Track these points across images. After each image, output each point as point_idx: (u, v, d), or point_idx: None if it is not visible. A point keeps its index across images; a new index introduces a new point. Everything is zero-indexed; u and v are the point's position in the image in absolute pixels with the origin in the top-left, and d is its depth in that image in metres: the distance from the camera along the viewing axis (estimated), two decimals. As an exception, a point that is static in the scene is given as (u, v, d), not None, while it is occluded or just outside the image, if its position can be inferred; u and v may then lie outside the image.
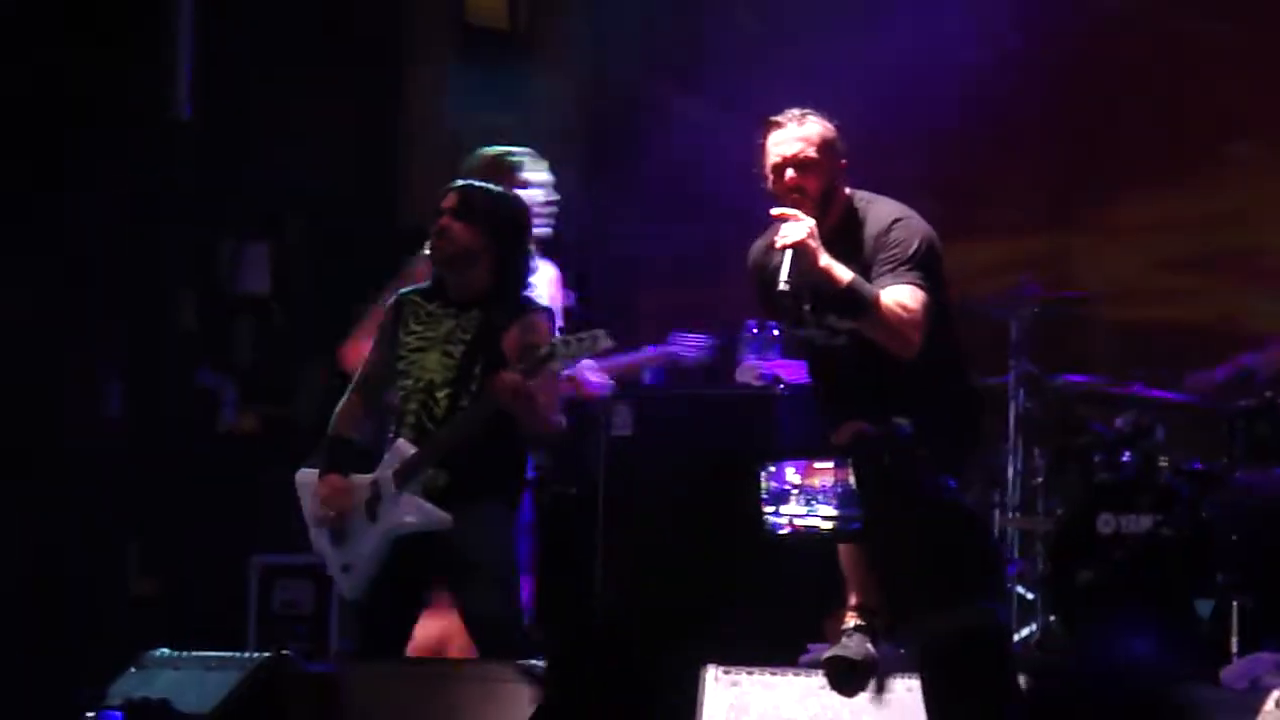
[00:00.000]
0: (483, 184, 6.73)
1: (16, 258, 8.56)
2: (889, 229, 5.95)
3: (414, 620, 6.50)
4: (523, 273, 6.66)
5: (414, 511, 6.37)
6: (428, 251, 6.65)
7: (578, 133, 10.61)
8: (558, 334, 6.55)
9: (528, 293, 6.70)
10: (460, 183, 6.72)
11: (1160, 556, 7.44)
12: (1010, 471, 8.37)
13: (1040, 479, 8.42)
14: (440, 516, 6.33)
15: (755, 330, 8.61)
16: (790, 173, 5.93)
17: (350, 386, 6.75)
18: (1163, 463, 7.87)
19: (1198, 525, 7.43)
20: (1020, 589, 8.18)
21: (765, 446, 7.11)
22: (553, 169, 7.35)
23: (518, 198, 6.87)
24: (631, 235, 10.16)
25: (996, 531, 8.43)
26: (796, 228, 5.79)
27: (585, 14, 10.74)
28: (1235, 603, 7.20)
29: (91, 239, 8.90)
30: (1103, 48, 9.64)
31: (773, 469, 1.95)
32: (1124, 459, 7.97)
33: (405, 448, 6.43)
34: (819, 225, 5.85)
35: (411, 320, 6.62)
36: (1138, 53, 9.62)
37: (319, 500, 6.55)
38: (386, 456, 6.48)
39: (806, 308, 6.03)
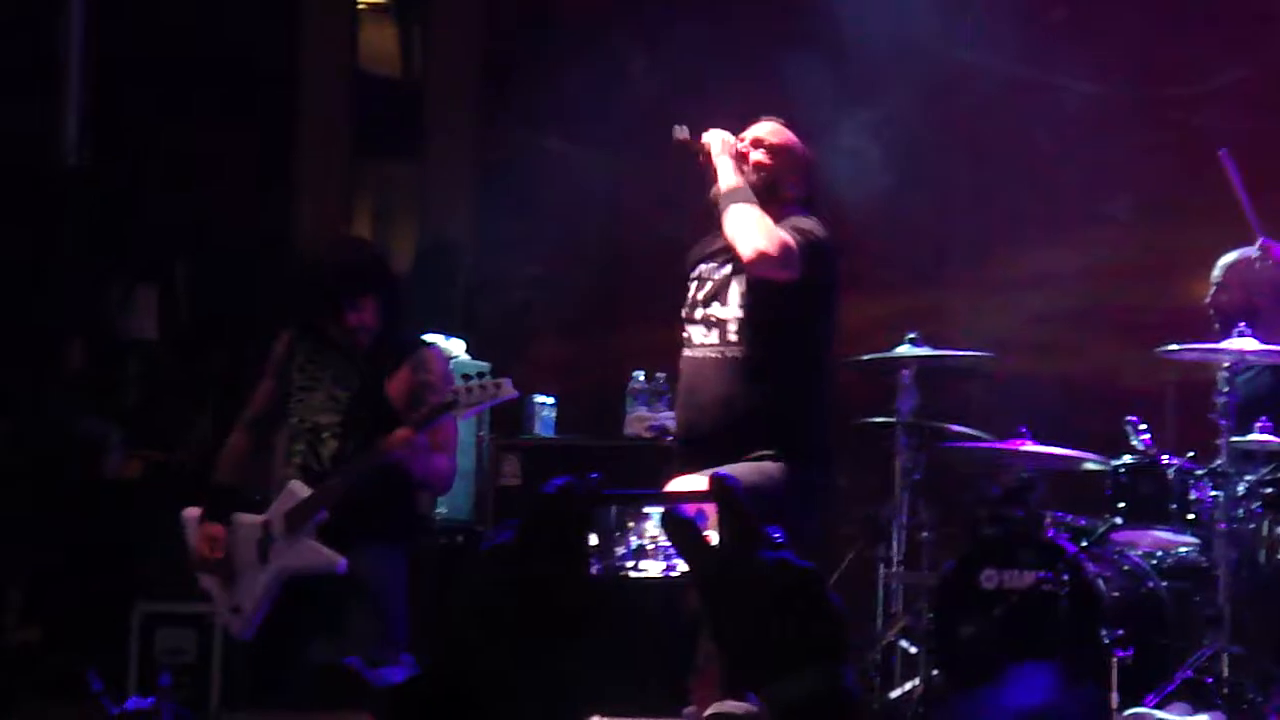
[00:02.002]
0: (354, 243, 6.84)
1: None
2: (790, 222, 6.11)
3: (298, 662, 6.49)
4: (403, 311, 6.70)
5: (307, 554, 6.37)
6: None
7: (470, 178, 10.62)
8: (458, 380, 6.57)
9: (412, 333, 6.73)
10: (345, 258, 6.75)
11: (1043, 612, 7.49)
12: (895, 526, 8.40)
13: (925, 533, 8.47)
14: (332, 559, 6.33)
15: (643, 381, 8.64)
16: (755, 151, 6.24)
17: (238, 425, 6.73)
18: (1046, 519, 7.94)
19: (1080, 581, 7.49)
20: (904, 642, 8.22)
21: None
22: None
23: (372, 246, 6.95)
24: (523, 283, 10.17)
25: (881, 585, 8.48)
26: (719, 134, 6.20)
27: (477, 63, 10.77)
28: (1116, 659, 7.28)
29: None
30: (982, 103, 9.75)
31: (631, 524, 1.96)
32: (1008, 514, 8.04)
33: (298, 489, 6.42)
34: None
35: (302, 357, 6.63)
36: (1018, 109, 9.73)
37: (195, 548, 6.55)
38: (279, 497, 6.47)
39: (697, 294, 6.18)
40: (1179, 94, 9.55)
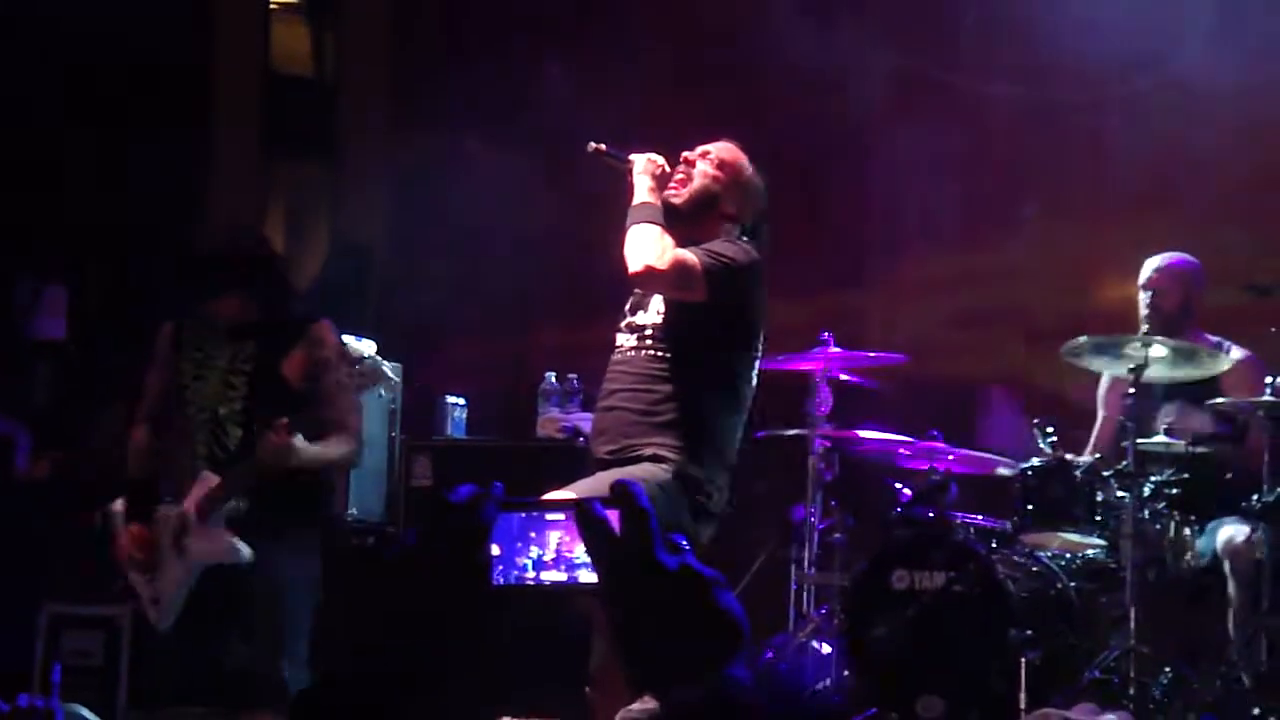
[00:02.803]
0: (226, 236, 6.79)
1: None
2: (709, 245, 6.05)
3: (212, 651, 6.45)
4: (286, 293, 6.67)
5: (218, 543, 6.34)
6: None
7: (382, 179, 10.59)
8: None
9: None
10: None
11: (953, 613, 7.53)
12: (808, 527, 8.43)
13: (838, 535, 8.50)
14: (237, 550, 6.30)
15: (555, 383, 8.63)
16: (701, 161, 6.15)
17: (135, 422, 6.69)
18: (957, 520, 7.99)
19: (990, 582, 7.53)
20: (816, 643, 8.25)
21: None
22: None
23: (243, 238, 6.89)
24: (435, 284, 10.14)
25: (793, 586, 8.50)
26: (647, 155, 6.07)
27: (390, 64, 10.74)
28: (1024, 659, 7.32)
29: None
30: (896, 106, 9.79)
31: (534, 534, 1.95)
32: (919, 516, 8.08)
33: (209, 478, 6.39)
34: (681, 226, 6.01)
35: (189, 347, 6.58)
36: (932, 111, 9.78)
37: (125, 550, 6.51)
38: (194, 488, 6.43)
39: (628, 307, 6.15)
40: (1089, 98, 9.61)
